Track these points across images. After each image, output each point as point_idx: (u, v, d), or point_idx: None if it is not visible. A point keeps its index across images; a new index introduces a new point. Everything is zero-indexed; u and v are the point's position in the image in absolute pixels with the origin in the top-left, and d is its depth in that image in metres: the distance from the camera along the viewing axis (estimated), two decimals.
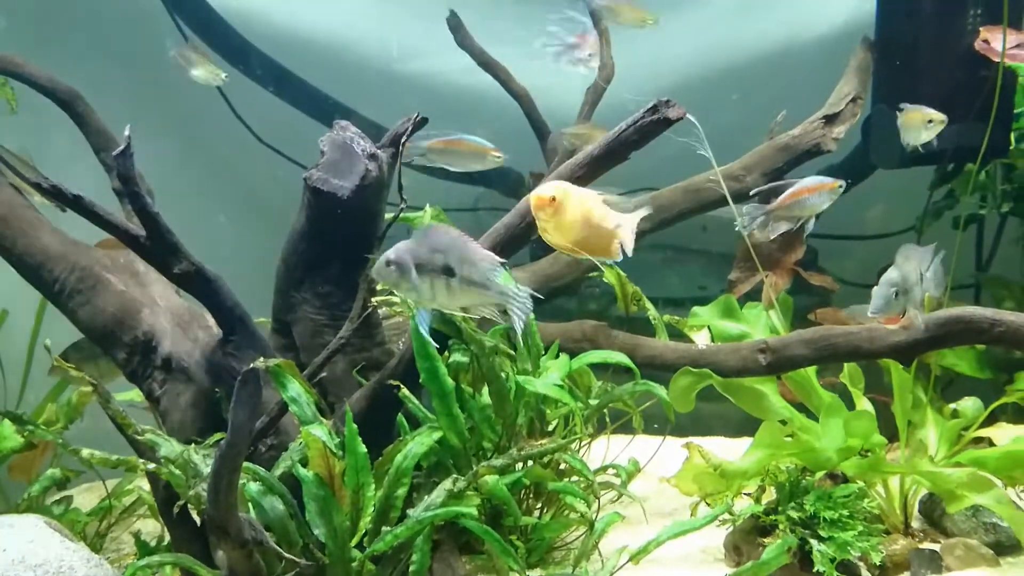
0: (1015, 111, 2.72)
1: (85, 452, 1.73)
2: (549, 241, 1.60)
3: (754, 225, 2.13)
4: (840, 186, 2.14)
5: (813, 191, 2.13)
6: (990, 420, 2.32)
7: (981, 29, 2.56)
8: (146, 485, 2.03)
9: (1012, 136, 2.73)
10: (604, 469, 2.32)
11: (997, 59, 2.42)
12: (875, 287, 1.81)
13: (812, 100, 2.85)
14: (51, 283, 2.06)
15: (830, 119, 2.55)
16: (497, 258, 1.47)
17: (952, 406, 2.39)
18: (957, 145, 2.65)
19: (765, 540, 2.02)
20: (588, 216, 1.55)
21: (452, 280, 1.43)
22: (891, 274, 1.76)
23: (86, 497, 2.56)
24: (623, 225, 1.59)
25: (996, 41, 2.50)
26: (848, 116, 2.58)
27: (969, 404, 2.37)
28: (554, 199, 1.51)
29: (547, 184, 1.58)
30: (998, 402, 2.35)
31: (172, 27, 3.40)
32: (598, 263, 1.77)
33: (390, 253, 1.42)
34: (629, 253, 1.60)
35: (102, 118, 2.39)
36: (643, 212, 1.62)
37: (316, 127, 3.30)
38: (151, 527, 2.31)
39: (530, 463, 2.05)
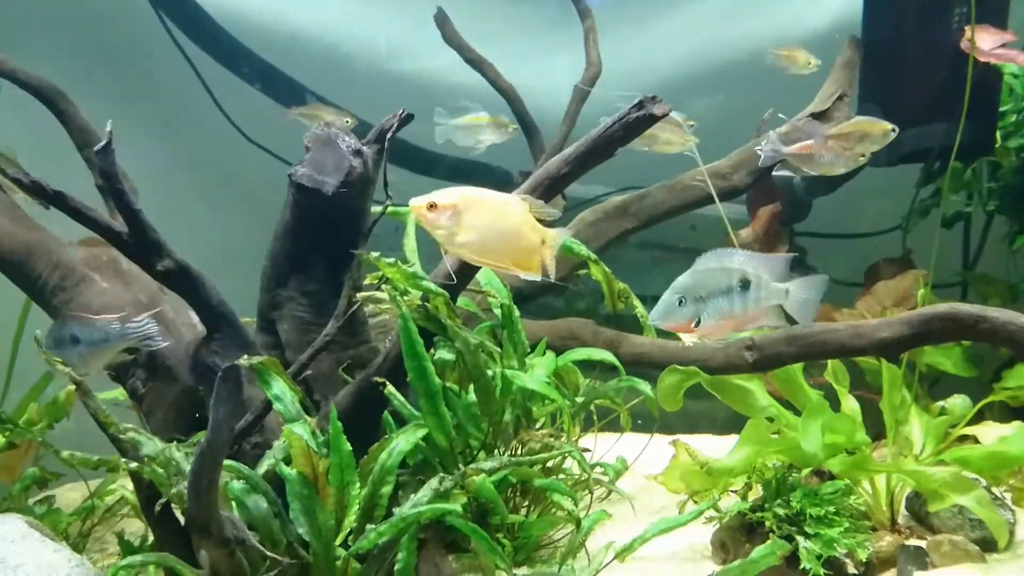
0: (1000, 109, 2.73)
1: (65, 453, 1.71)
2: (455, 252, 1.46)
3: (767, 158, 2.11)
4: (863, 156, 2.11)
5: (832, 150, 2.12)
6: (977, 418, 2.33)
7: (966, 28, 2.58)
8: (129, 485, 2.02)
9: (997, 134, 2.75)
10: (592, 467, 2.32)
11: (983, 58, 2.43)
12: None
13: (799, 99, 2.85)
14: (33, 280, 2.05)
15: (816, 118, 2.56)
16: (111, 316, 1.75)
17: (940, 404, 2.40)
18: (943, 143, 2.67)
19: (752, 538, 2.02)
20: (502, 223, 1.41)
21: (80, 347, 1.73)
22: (681, 279, 1.63)
23: (69, 497, 2.53)
24: (548, 242, 1.47)
25: (982, 40, 2.51)
26: (834, 115, 2.58)
27: (957, 402, 2.38)
28: (433, 205, 1.39)
29: (443, 191, 1.42)
30: (985, 400, 2.36)
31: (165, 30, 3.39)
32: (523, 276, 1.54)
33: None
34: (551, 276, 1.49)
35: (86, 116, 2.37)
36: (566, 232, 1.52)
37: (304, 124, 3.29)
38: (135, 527, 2.29)
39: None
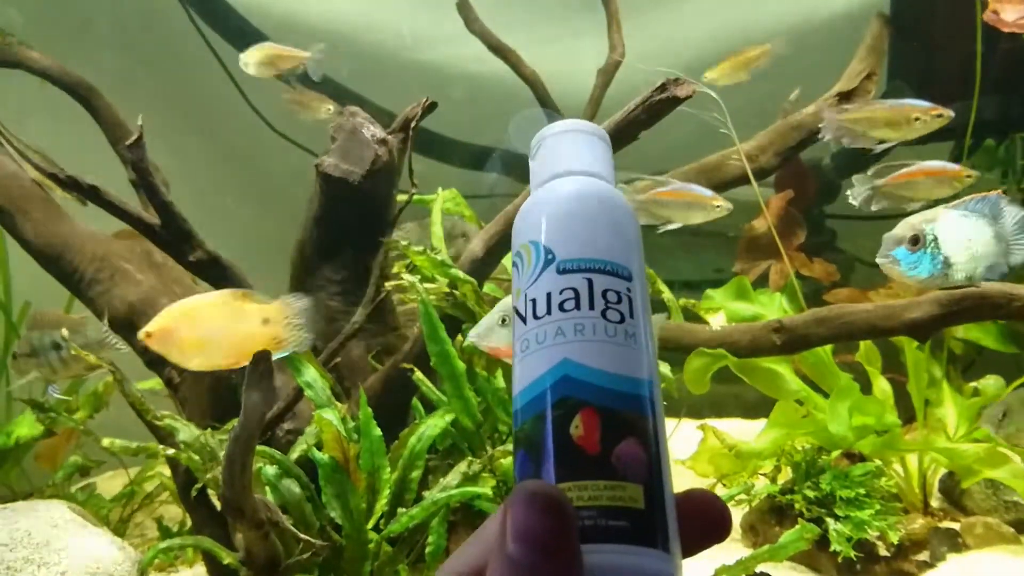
0: None
1: (106, 441, 1.76)
2: (196, 368, 1.46)
3: (859, 198, 2.04)
4: (968, 176, 1.92)
5: (932, 175, 1.96)
6: None
7: (990, 0, 2.51)
8: (167, 471, 2.07)
9: None
10: None
11: (1006, 29, 2.38)
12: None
13: (828, 79, 2.81)
14: (71, 273, 2.10)
15: (844, 96, 2.52)
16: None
17: (973, 384, 2.36)
18: (976, 119, 2.62)
19: (782, 521, 2.02)
20: (211, 326, 1.42)
21: (61, 352, 1.84)
22: (507, 298, 1.49)
23: (110, 484, 2.60)
24: (273, 318, 1.48)
25: (1005, 11, 2.45)
26: (863, 93, 2.54)
27: (990, 382, 2.34)
28: (148, 335, 1.37)
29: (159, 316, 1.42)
30: (1020, 380, 2.32)
31: (190, 20, 3.44)
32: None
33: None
34: (299, 345, 1.50)
35: (118, 111, 2.41)
36: (300, 302, 1.51)
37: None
38: (173, 513, 2.35)
39: None
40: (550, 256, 0.54)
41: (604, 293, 0.53)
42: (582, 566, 0.46)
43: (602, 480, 0.49)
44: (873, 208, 2.02)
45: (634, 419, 0.51)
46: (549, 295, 0.53)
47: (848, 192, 2.06)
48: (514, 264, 0.58)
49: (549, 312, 0.53)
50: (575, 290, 0.53)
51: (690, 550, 0.51)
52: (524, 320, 0.54)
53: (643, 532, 0.48)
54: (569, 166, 0.60)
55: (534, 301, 0.54)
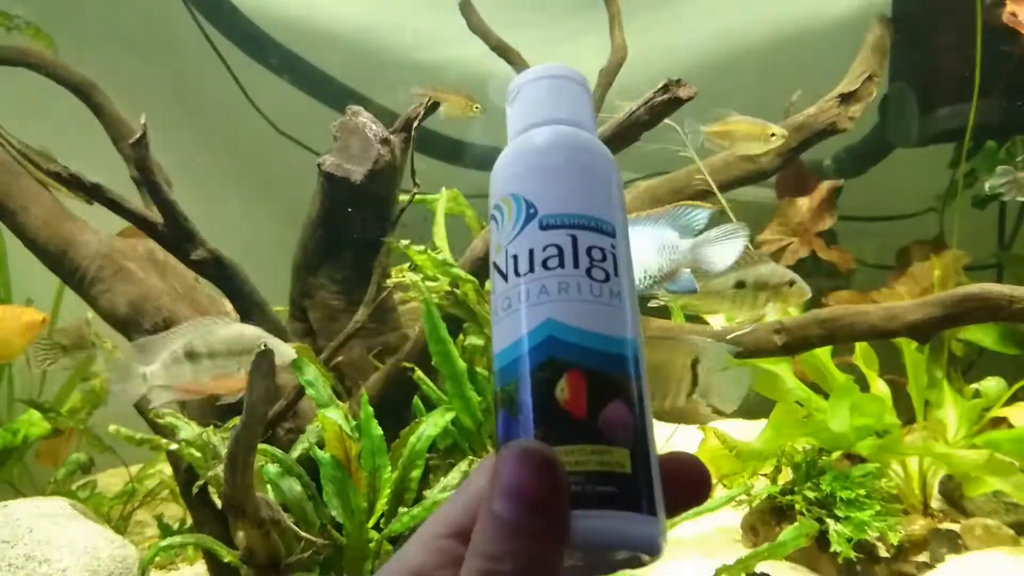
0: None
1: (112, 427, 1.76)
2: None
3: (1002, 186, 1.99)
4: None
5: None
6: (1013, 399, 2.30)
7: (1007, 1, 2.51)
8: (168, 470, 2.07)
9: None
10: None
11: None
12: None
13: (829, 81, 2.82)
14: (73, 271, 2.10)
15: (846, 98, 2.52)
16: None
17: (974, 386, 2.37)
18: (979, 122, 2.62)
19: (782, 521, 2.02)
20: None
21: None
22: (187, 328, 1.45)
23: (110, 482, 2.61)
24: None
25: (1022, 12, 2.45)
26: (864, 95, 2.54)
27: (992, 384, 2.35)
28: None
29: None
30: (1021, 383, 2.32)
31: (193, 20, 3.44)
32: None
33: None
34: None
35: (119, 108, 2.41)
36: None
37: (332, 115, 3.32)
38: (173, 511, 2.35)
39: None
40: (532, 210, 0.53)
41: (589, 250, 0.52)
42: (570, 528, 0.45)
43: (589, 444, 0.48)
44: (1006, 198, 1.99)
45: (619, 381, 0.50)
46: (531, 251, 0.52)
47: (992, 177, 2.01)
48: (492, 218, 0.55)
49: (532, 269, 0.52)
50: (559, 247, 0.52)
51: (673, 512, 0.51)
52: (505, 277, 0.53)
53: (630, 497, 0.48)
54: (549, 114, 0.58)
55: (515, 257, 0.53)
